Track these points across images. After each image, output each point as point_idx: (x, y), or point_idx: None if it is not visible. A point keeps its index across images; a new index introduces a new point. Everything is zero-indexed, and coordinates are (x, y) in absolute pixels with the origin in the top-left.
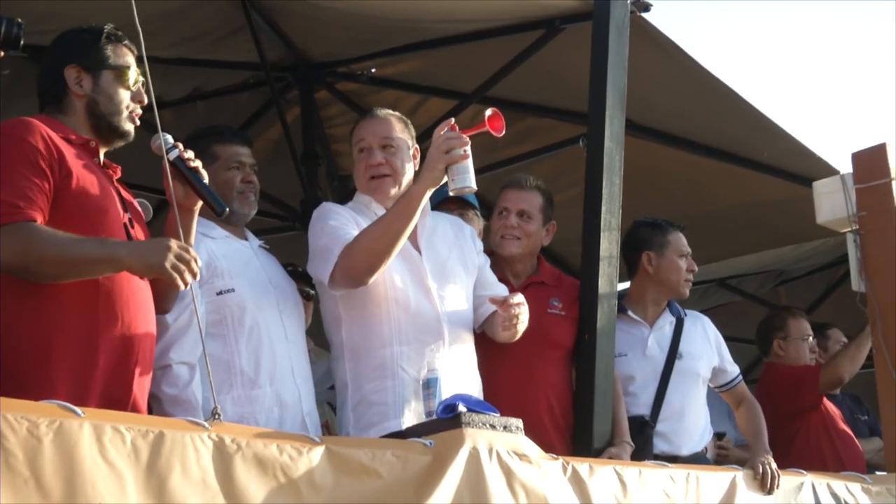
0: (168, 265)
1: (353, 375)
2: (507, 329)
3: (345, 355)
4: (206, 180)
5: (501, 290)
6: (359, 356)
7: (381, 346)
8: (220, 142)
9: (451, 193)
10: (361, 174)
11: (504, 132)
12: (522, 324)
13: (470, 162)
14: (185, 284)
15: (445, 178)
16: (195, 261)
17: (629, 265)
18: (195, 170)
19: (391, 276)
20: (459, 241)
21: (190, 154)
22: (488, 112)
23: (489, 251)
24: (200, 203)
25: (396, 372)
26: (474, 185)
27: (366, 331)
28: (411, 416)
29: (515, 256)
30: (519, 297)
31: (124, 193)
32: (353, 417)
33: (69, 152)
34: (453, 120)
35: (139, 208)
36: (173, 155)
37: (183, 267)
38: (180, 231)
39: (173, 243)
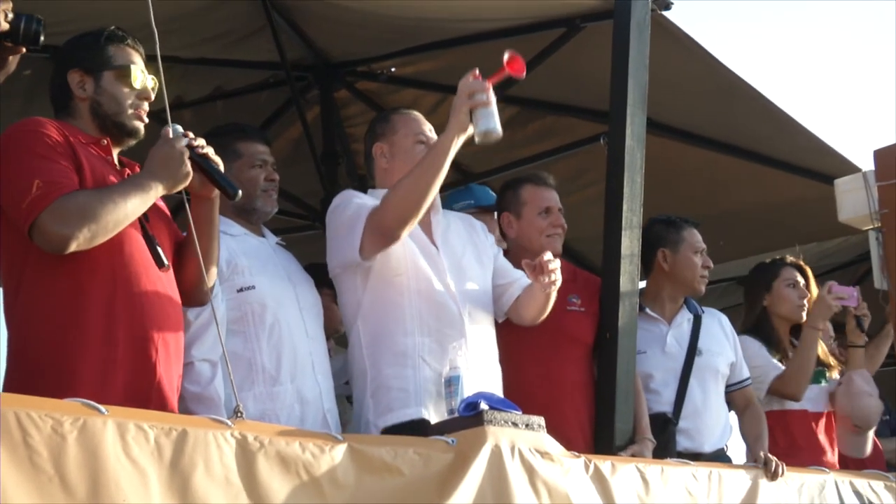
0: (186, 171)
1: (373, 361)
2: (544, 290)
3: (363, 342)
4: (221, 168)
5: (521, 275)
6: (379, 342)
7: (402, 335)
8: (242, 139)
9: (476, 140)
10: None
11: (525, 74)
12: (557, 282)
13: (494, 108)
14: (218, 163)
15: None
16: (199, 145)
17: (645, 263)
18: (206, 156)
19: (415, 266)
20: (472, 238)
21: (200, 142)
22: (506, 56)
23: (506, 249)
24: (218, 192)
25: (417, 362)
26: (499, 129)
27: (387, 318)
28: (432, 407)
29: (559, 253)
30: (549, 255)
31: None
32: (373, 403)
33: (82, 149)
34: (477, 70)
35: (159, 204)
36: (183, 144)
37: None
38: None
39: (175, 152)
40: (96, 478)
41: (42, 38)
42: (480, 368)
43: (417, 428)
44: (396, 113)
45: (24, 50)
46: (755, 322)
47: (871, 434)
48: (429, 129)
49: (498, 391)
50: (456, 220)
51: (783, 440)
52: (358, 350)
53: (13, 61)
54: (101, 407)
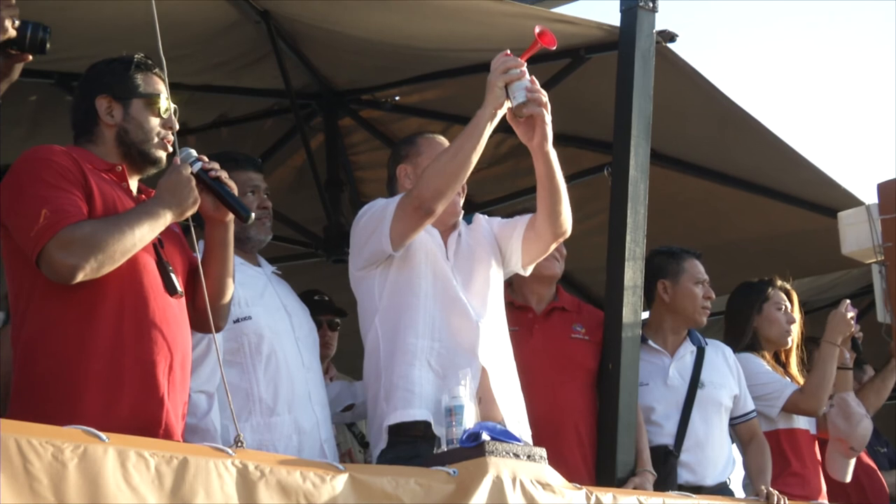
0: (195, 197)
1: (386, 364)
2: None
3: (380, 346)
4: (235, 191)
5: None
6: (392, 344)
7: (413, 336)
8: (234, 168)
9: (514, 113)
10: None
11: (555, 45)
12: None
13: (528, 81)
14: (232, 187)
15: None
16: (212, 168)
17: (646, 294)
18: (219, 179)
19: (433, 271)
20: (479, 240)
21: (214, 165)
22: (537, 29)
23: (508, 281)
24: (232, 216)
25: (424, 365)
26: None
27: (400, 320)
28: (429, 413)
29: (556, 278)
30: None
31: None
32: (386, 406)
33: (94, 176)
34: (508, 50)
35: (174, 228)
36: (196, 167)
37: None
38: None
39: (182, 178)
40: None
41: (48, 45)
42: (502, 370)
43: (420, 429)
44: (422, 136)
45: (29, 58)
46: (748, 344)
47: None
48: None
49: (517, 389)
50: (464, 230)
51: (796, 462)
52: (375, 354)
53: (17, 69)
54: (102, 434)
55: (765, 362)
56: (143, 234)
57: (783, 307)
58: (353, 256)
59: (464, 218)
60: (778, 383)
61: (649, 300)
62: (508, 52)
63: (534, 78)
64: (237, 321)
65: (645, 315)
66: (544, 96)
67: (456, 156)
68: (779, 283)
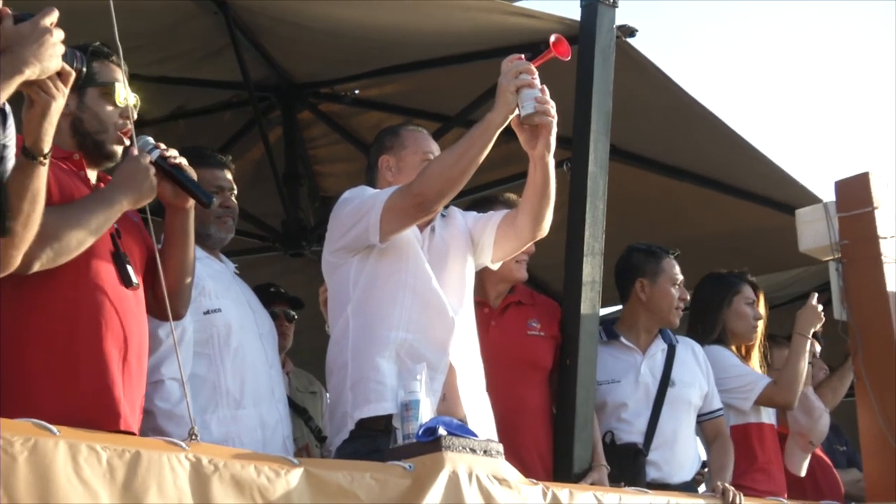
0: (151, 185)
1: (355, 353)
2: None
3: (349, 334)
4: (195, 176)
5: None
6: (364, 334)
7: (388, 328)
8: (200, 165)
9: (522, 121)
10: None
11: (569, 57)
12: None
13: (538, 89)
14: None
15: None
16: (171, 156)
17: (621, 291)
18: (178, 166)
19: (413, 264)
20: (453, 233)
21: (172, 152)
22: (552, 38)
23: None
24: (193, 203)
25: (395, 357)
26: None
27: (376, 311)
28: (397, 406)
29: (523, 281)
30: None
31: None
32: (352, 395)
33: (52, 166)
34: (522, 56)
35: (133, 217)
36: (155, 155)
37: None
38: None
39: (140, 166)
40: (47, 499)
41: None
42: (470, 368)
43: (383, 423)
44: (406, 129)
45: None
46: (718, 337)
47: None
48: (437, 149)
49: (483, 388)
50: (438, 222)
51: (762, 457)
52: (342, 343)
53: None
54: (53, 427)
55: (735, 355)
56: (100, 222)
57: (753, 301)
58: (332, 240)
59: None
60: (751, 376)
61: (624, 297)
62: (522, 56)
63: (545, 87)
64: (207, 313)
65: (604, 311)
66: (553, 107)
67: (462, 158)
68: (749, 277)
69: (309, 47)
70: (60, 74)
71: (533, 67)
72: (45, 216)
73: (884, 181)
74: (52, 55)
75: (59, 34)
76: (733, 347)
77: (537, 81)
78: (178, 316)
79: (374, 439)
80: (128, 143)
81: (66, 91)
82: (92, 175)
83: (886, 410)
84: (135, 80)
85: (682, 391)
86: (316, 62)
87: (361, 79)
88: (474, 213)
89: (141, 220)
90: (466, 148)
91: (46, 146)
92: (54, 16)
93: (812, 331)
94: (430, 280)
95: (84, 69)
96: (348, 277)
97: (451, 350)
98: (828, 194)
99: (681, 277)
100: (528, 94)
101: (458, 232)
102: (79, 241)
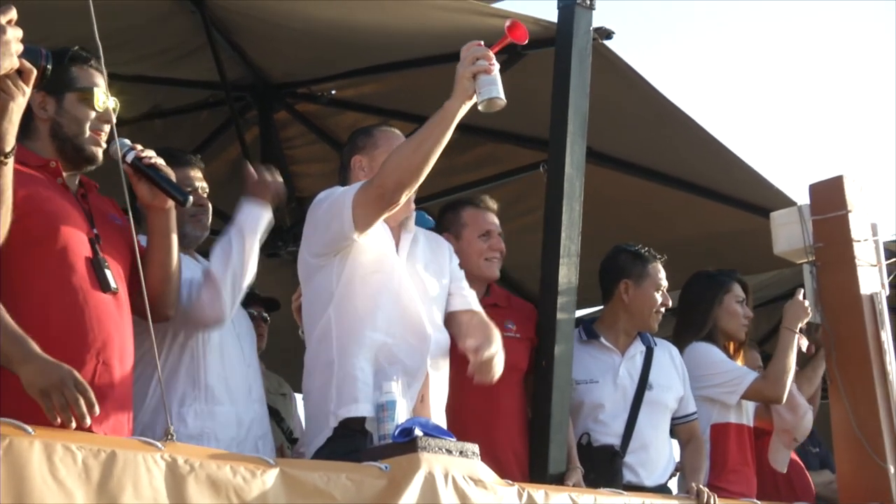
0: (45, 391)
1: (341, 352)
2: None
3: (333, 333)
4: (173, 177)
5: (470, 294)
6: (350, 334)
7: (372, 330)
8: (170, 165)
9: (480, 108)
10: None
11: (527, 40)
12: (497, 370)
13: (497, 75)
14: (59, 420)
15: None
16: (86, 404)
17: (604, 290)
18: (153, 166)
19: (391, 268)
20: (437, 256)
21: (148, 152)
22: (507, 23)
23: None
24: (172, 202)
25: (374, 359)
26: (503, 96)
27: (359, 311)
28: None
29: (494, 279)
30: (493, 348)
31: (96, 210)
32: (336, 394)
33: (24, 177)
34: (482, 42)
35: (118, 220)
36: (130, 157)
37: (62, 402)
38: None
39: (70, 379)
40: (21, 499)
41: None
42: (440, 376)
43: (361, 424)
44: (379, 129)
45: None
46: (707, 335)
47: None
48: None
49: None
50: (423, 238)
51: (739, 457)
52: (326, 342)
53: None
54: (28, 427)
55: (721, 352)
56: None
57: (743, 300)
58: (310, 242)
59: (427, 227)
60: (738, 370)
61: (607, 297)
62: (481, 42)
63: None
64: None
65: (580, 312)
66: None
67: (420, 147)
68: (739, 275)
69: (286, 47)
70: (22, 72)
71: (491, 53)
72: None
73: (857, 185)
74: (5, 53)
75: (15, 32)
76: (723, 345)
77: (495, 67)
78: (165, 317)
79: (353, 440)
80: (104, 144)
81: (28, 90)
82: (72, 180)
83: (859, 412)
84: (111, 78)
85: (659, 395)
86: (293, 62)
87: (338, 79)
88: (457, 267)
89: (125, 222)
90: (424, 138)
91: (8, 145)
92: (11, 13)
93: (799, 325)
94: (408, 286)
95: (49, 66)
96: (330, 277)
97: (429, 358)
98: (802, 197)
99: (665, 283)
100: (486, 81)
101: (445, 261)
102: None
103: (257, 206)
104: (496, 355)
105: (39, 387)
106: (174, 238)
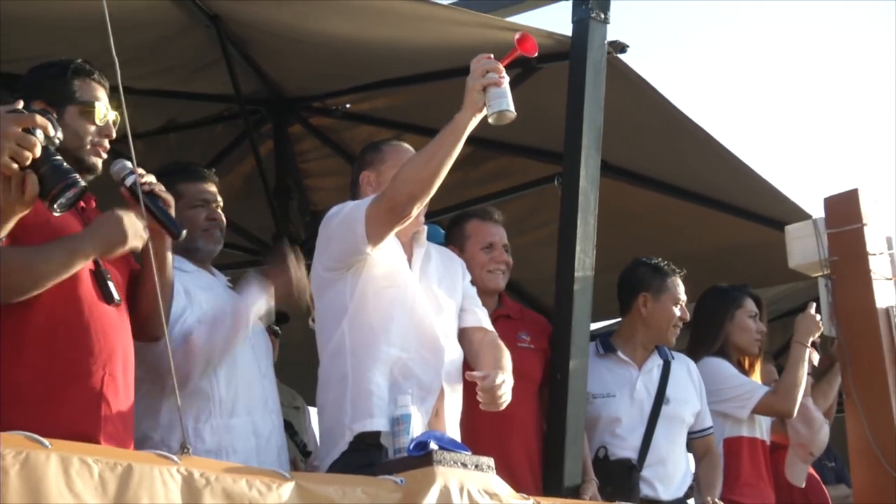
0: (130, 236)
1: (356, 366)
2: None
3: (347, 347)
4: (171, 206)
5: (482, 312)
6: (365, 348)
7: (387, 345)
8: (184, 180)
9: (490, 121)
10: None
11: (536, 52)
12: (505, 398)
13: (507, 87)
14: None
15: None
16: (147, 181)
17: (623, 303)
18: (151, 193)
19: (405, 282)
20: (449, 272)
21: (149, 178)
22: (516, 35)
23: None
24: None
25: (389, 373)
26: (513, 109)
27: (373, 325)
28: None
29: (499, 291)
30: (500, 378)
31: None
32: (351, 409)
33: None
34: (492, 55)
35: None
36: (130, 181)
37: (140, 230)
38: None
39: (122, 214)
40: None
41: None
42: (455, 392)
43: (376, 438)
44: (387, 144)
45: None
46: (719, 350)
47: None
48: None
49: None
50: (436, 254)
51: (752, 471)
52: (340, 356)
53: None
54: (45, 440)
55: (733, 367)
56: (55, 268)
57: (755, 315)
58: (323, 257)
59: (439, 240)
60: (749, 384)
61: (625, 310)
62: (491, 55)
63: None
64: (200, 322)
65: (594, 326)
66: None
67: (431, 159)
68: (751, 290)
69: (300, 61)
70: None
71: (501, 66)
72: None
73: (873, 198)
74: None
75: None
76: (737, 360)
77: (505, 80)
78: (153, 338)
79: (368, 454)
80: (104, 156)
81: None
82: None
83: (875, 426)
84: (126, 93)
85: (676, 409)
86: (307, 76)
87: (353, 93)
88: (469, 284)
89: None
90: (435, 150)
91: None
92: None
93: (811, 339)
94: (422, 300)
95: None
96: (343, 292)
97: (444, 372)
98: (817, 211)
99: (684, 298)
100: (496, 93)
101: (458, 277)
102: (33, 281)
103: (263, 292)
104: (504, 384)
105: (118, 241)
106: (169, 263)
